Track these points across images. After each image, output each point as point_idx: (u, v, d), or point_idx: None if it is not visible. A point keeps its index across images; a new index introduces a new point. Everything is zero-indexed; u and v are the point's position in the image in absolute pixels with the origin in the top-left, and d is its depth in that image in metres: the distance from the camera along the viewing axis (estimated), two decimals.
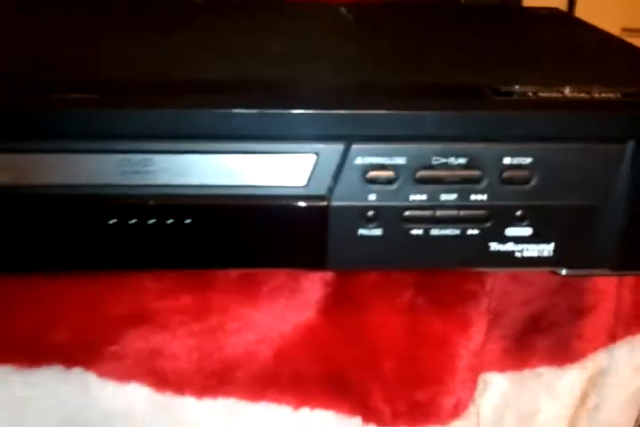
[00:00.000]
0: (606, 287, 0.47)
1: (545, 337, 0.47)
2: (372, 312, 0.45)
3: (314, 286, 0.45)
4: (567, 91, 0.40)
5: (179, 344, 0.43)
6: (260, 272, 0.45)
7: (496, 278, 0.46)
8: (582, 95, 0.39)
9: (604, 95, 0.39)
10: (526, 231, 0.38)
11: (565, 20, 0.65)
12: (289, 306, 0.45)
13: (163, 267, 0.41)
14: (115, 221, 0.40)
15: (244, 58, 0.45)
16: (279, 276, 0.45)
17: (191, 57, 0.46)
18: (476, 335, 0.46)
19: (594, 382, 0.48)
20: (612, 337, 0.48)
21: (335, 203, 0.38)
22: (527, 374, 0.47)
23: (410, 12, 0.64)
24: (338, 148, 0.37)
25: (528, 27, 0.60)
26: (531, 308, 0.46)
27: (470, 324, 0.46)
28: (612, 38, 0.54)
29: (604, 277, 0.47)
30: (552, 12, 0.64)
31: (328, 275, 0.45)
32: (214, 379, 0.44)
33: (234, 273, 0.44)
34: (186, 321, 0.44)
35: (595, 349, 0.47)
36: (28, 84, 0.39)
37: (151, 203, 0.39)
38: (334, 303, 0.45)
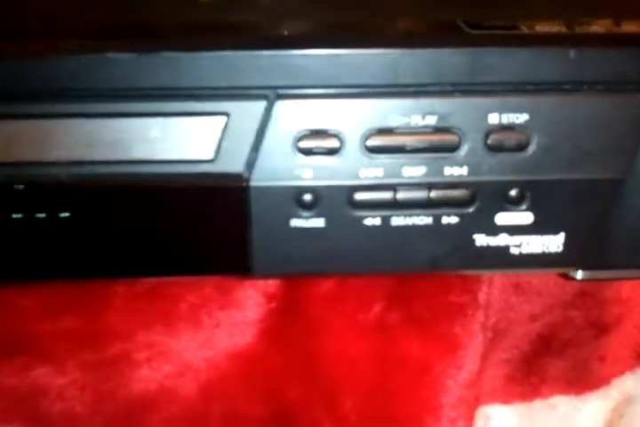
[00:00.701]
0: (632, 296, 0.42)
1: (559, 360, 0.42)
2: (330, 333, 0.39)
3: (252, 300, 0.39)
4: (576, 25, 0.30)
5: (67, 380, 0.37)
6: (176, 284, 0.38)
7: (493, 287, 0.41)
8: (597, 28, 0.30)
9: (627, 28, 0.30)
10: (525, 218, 0.31)
11: None
12: (219, 327, 0.39)
13: (39, 277, 0.33)
14: None
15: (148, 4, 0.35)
16: (203, 288, 0.38)
17: None
18: (468, 361, 0.40)
19: (620, 413, 0.42)
20: None
21: (256, 183, 0.30)
22: (538, 405, 0.42)
23: None
24: (257, 106, 0.29)
25: None
26: (540, 324, 0.41)
27: (459, 346, 0.40)
28: None
29: (629, 284, 0.42)
30: None
31: (271, 285, 0.39)
32: (119, 425, 0.37)
33: (139, 286, 0.37)
34: (75, 349, 0.37)
35: (620, 372, 0.42)
36: None
37: (17, 188, 0.30)
38: (280, 323, 0.39)
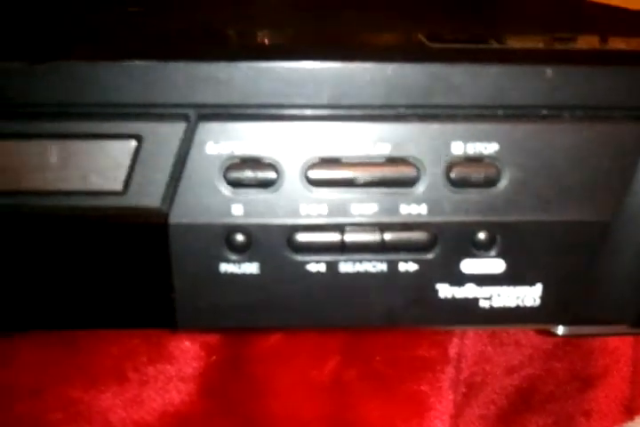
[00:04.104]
0: (620, 346, 0.39)
1: (540, 416, 0.38)
2: (278, 392, 0.35)
3: (189, 352, 0.35)
4: (554, 40, 0.26)
5: None
6: (97, 333, 0.33)
7: (466, 338, 0.38)
8: (579, 45, 0.27)
9: (614, 45, 0.27)
10: (495, 266, 0.27)
11: None
12: (149, 384, 0.34)
13: None
14: None
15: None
16: (129, 338, 0.34)
17: None
18: (437, 424, 0.36)
19: None
20: (629, 412, 0.39)
21: (176, 220, 0.26)
22: None
23: None
24: (175, 127, 0.25)
25: (510, 2, 0.46)
26: (519, 377, 0.38)
27: (427, 407, 0.36)
28: (614, 7, 0.40)
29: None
30: None
31: (212, 336, 0.35)
32: None
33: (52, 335, 0.33)
34: None
35: None
36: None
37: None
38: (222, 379, 0.35)
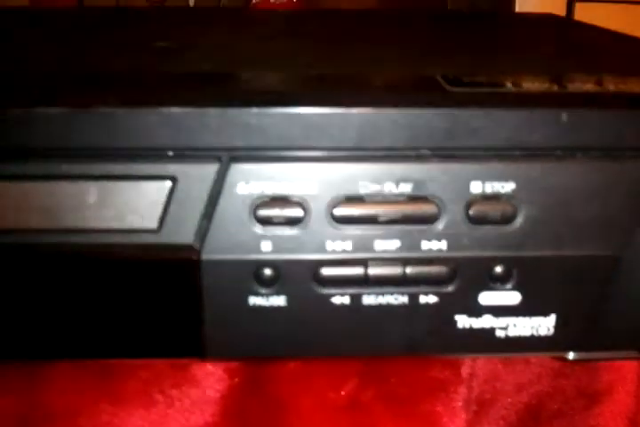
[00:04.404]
0: (625, 362, 0.38)
1: None
2: (299, 413, 0.35)
3: (212, 375, 0.35)
4: (567, 82, 0.26)
5: None
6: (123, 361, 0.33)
7: (478, 359, 0.38)
8: (591, 87, 0.27)
9: (621, 87, 0.27)
10: (511, 298, 0.28)
11: (560, 22, 0.52)
12: (174, 406, 0.34)
13: None
14: None
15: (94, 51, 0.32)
16: (155, 363, 0.34)
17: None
18: None
19: None
20: (634, 426, 0.38)
21: (208, 256, 0.26)
22: None
23: (387, 19, 0.52)
24: (208, 169, 0.26)
25: (515, 28, 0.47)
26: (528, 394, 0.38)
27: (442, 426, 0.36)
28: (616, 34, 0.41)
29: None
30: (545, 16, 0.51)
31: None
32: None
33: (81, 361, 0.32)
34: None
35: None
36: None
37: None
38: (244, 400, 0.35)
